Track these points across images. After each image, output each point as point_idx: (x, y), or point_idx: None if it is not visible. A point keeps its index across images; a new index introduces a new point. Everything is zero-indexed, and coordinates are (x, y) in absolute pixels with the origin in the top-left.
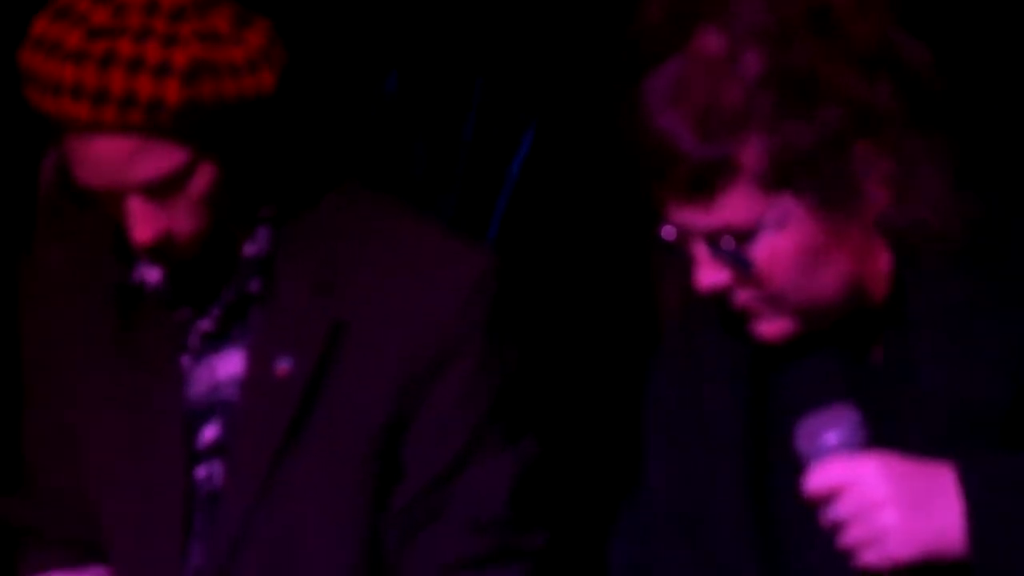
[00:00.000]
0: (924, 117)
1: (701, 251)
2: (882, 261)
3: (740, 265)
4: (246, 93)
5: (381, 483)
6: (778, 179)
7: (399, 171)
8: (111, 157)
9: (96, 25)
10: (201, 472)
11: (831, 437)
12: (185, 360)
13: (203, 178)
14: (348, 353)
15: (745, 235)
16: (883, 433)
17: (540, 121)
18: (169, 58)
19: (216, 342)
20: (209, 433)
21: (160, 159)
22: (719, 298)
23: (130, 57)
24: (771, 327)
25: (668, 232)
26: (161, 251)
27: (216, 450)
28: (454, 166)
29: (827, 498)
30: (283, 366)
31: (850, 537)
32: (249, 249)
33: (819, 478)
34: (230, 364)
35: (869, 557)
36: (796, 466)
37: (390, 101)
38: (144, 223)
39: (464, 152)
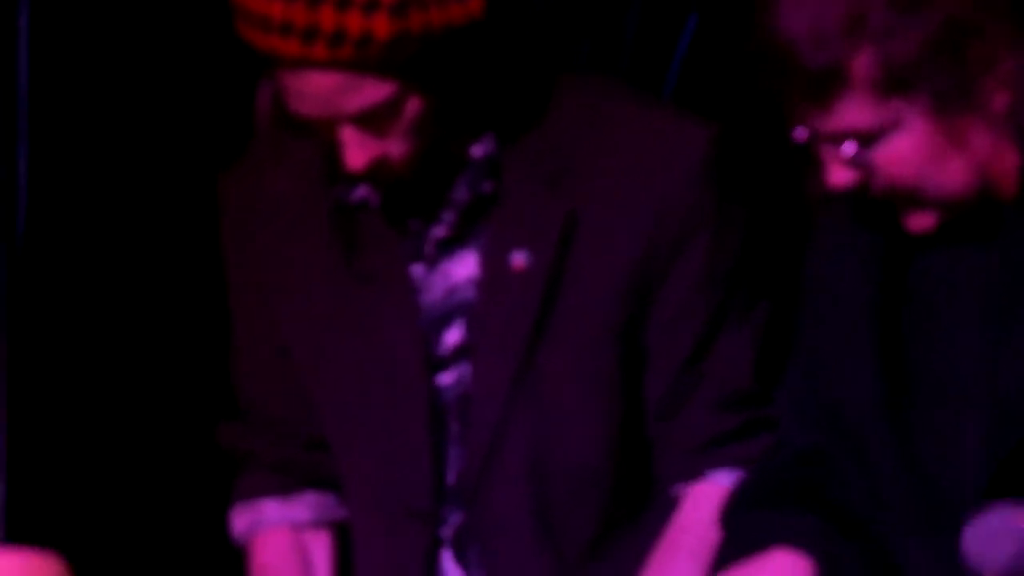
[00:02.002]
0: None
1: (828, 152)
2: (1010, 159)
3: (862, 168)
4: (454, 21)
5: (628, 371)
6: (892, 85)
7: (564, 63)
8: (321, 90)
9: None
10: (447, 378)
11: (1002, 553)
12: (418, 269)
13: (414, 106)
14: (585, 241)
15: (866, 139)
16: (1005, 332)
17: (700, 18)
18: None
19: (450, 247)
20: (451, 338)
21: (371, 91)
22: (854, 193)
23: None
24: (916, 219)
25: (799, 133)
26: (376, 176)
27: (461, 353)
28: (617, 64)
29: None
30: (519, 260)
31: None
32: (477, 151)
33: None
34: (465, 266)
35: None
36: (929, 346)
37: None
38: (357, 151)
39: (627, 50)
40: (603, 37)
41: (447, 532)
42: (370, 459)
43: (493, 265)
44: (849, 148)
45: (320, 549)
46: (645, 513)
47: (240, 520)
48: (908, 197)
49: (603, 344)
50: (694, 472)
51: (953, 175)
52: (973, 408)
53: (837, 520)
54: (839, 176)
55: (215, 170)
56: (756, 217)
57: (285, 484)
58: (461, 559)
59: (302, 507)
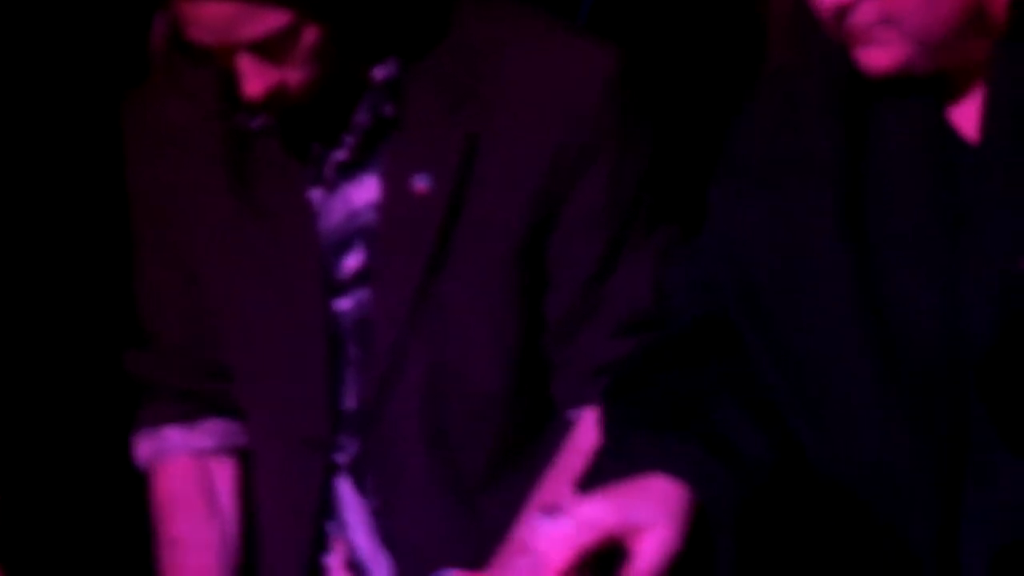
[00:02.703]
0: None
1: None
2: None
3: None
4: None
5: (529, 294)
6: None
7: None
8: (217, 19)
9: None
10: (346, 304)
11: None
12: (316, 194)
13: (312, 33)
14: (487, 164)
15: None
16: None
17: None
18: None
19: (350, 171)
20: (351, 262)
21: (267, 19)
22: (834, 19)
23: None
24: (881, 55)
25: None
26: (274, 104)
27: (361, 278)
28: None
29: None
30: (421, 184)
31: None
32: (378, 74)
33: None
34: (366, 190)
35: None
36: (890, 209)
37: None
38: (254, 79)
39: None
40: None
41: (344, 459)
42: (270, 386)
43: (394, 189)
44: None
45: (223, 476)
46: (542, 438)
47: (143, 447)
48: (891, 20)
49: (504, 267)
50: (591, 396)
51: (944, 7)
52: (933, 269)
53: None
54: None
55: (114, 101)
56: (662, 140)
57: (188, 412)
58: (359, 486)
59: (205, 434)
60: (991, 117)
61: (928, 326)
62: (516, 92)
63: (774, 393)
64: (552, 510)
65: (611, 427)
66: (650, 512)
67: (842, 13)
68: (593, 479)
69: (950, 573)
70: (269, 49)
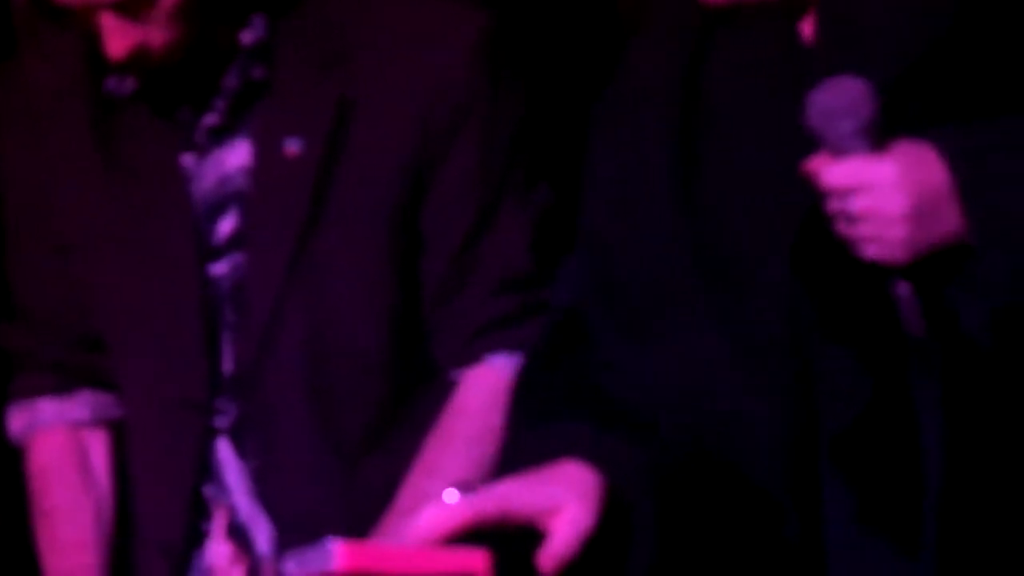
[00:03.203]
0: None
1: None
2: None
3: None
4: None
5: (407, 256)
6: None
7: None
8: None
9: None
10: (221, 268)
11: (847, 124)
12: (188, 159)
13: None
14: (359, 126)
15: None
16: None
17: None
18: None
19: (222, 136)
20: (225, 227)
21: None
22: None
23: None
24: None
25: None
26: (138, 64)
27: (235, 242)
28: None
29: (841, 192)
30: (292, 147)
31: (856, 231)
32: (247, 37)
33: (836, 175)
34: (238, 154)
35: (870, 252)
36: (729, 157)
37: None
38: (117, 39)
39: None
40: None
41: (223, 423)
42: (146, 353)
43: (266, 152)
44: None
45: (98, 447)
46: (424, 399)
47: (16, 420)
48: None
49: (379, 229)
50: (471, 356)
51: None
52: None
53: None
54: None
55: None
56: (536, 101)
57: (61, 383)
58: (239, 449)
59: (79, 405)
60: (820, 21)
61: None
62: (387, 54)
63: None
64: (466, 488)
65: (515, 423)
66: (561, 493)
67: None
68: (502, 473)
69: (813, 521)
70: (130, 7)
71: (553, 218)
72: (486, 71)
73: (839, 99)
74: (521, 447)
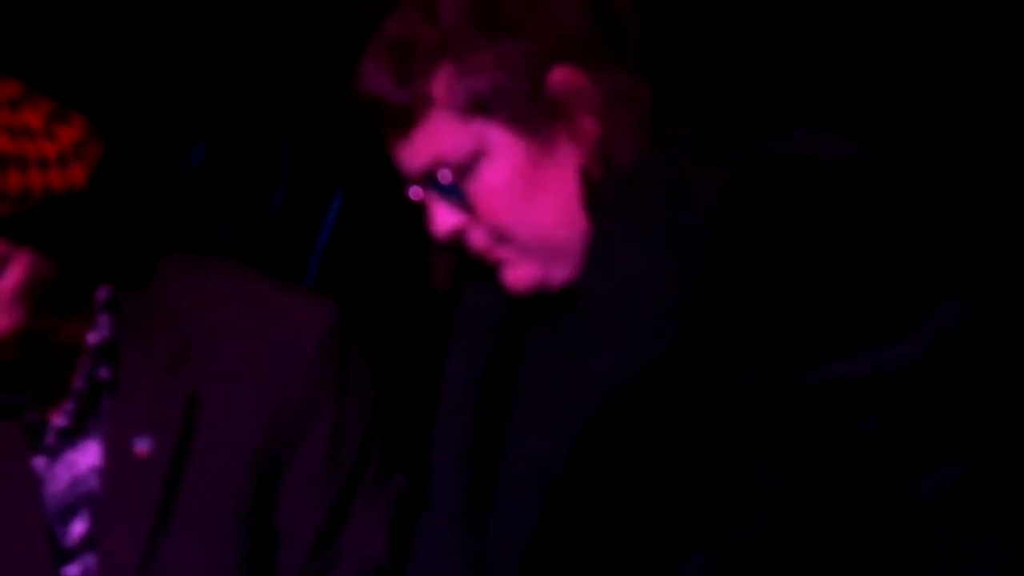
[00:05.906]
0: (626, 56)
1: (431, 196)
2: None
3: (458, 197)
4: (55, 187)
5: (259, 554)
6: (471, 106)
7: (207, 242)
8: None
9: None
10: (73, 570)
11: None
12: (40, 461)
13: (16, 273)
14: (208, 423)
15: (459, 168)
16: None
17: (347, 184)
18: None
19: (72, 436)
20: (77, 529)
21: None
22: (455, 248)
23: None
24: (516, 274)
25: (415, 192)
26: None
27: (87, 544)
28: (262, 234)
29: None
30: (142, 447)
31: None
32: (92, 338)
33: None
34: (89, 455)
35: None
36: (528, 430)
37: (197, 173)
38: None
39: (272, 219)
40: (248, 206)
41: None
42: None
43: (116, 453)
44: (444, 176)
45: None
46: None
47: None
48: (502, 238)
49: (232, 527)
50: None
51: (546, 206)
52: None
53: None
54: (443, 219)
55: None
56: (385, 391)
57: None
58: None
59: None
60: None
61: None
62: (233, 349)
63: None
64: None
65: None
66: None
67: (459, 241)
68: None
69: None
70: None
71: (410, 504)
72: (332, 365)
73: None
74: None
